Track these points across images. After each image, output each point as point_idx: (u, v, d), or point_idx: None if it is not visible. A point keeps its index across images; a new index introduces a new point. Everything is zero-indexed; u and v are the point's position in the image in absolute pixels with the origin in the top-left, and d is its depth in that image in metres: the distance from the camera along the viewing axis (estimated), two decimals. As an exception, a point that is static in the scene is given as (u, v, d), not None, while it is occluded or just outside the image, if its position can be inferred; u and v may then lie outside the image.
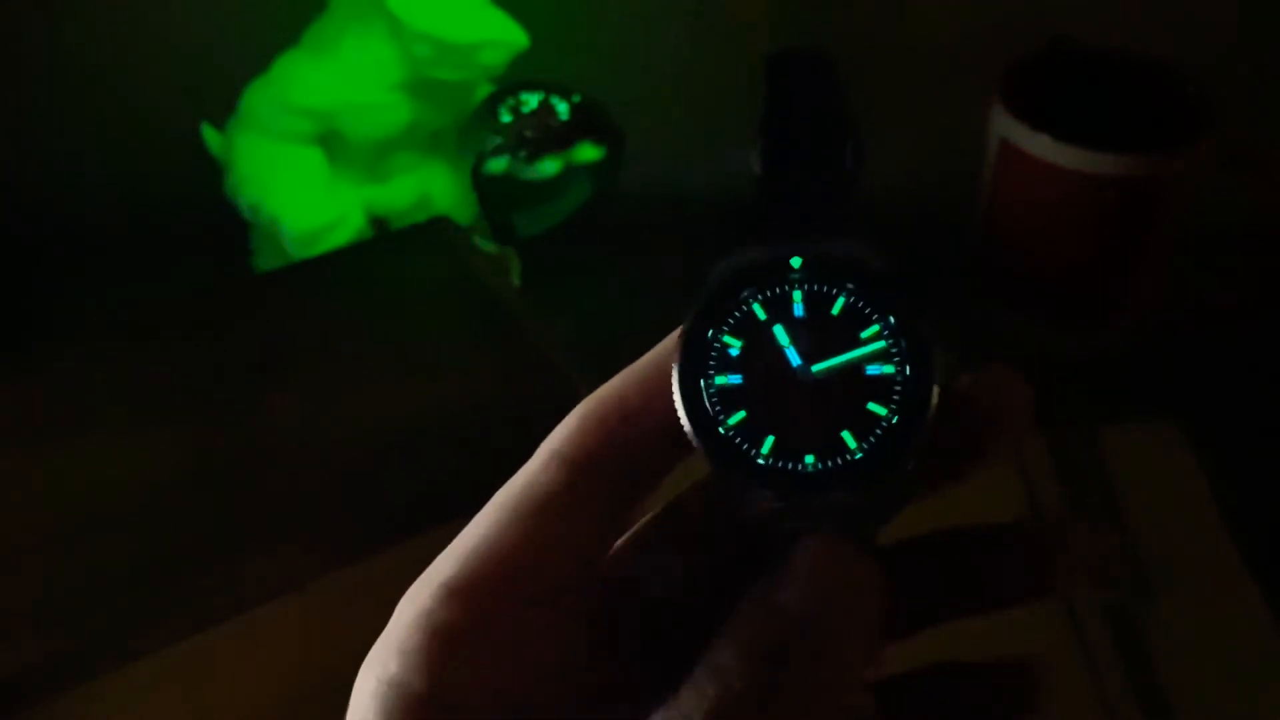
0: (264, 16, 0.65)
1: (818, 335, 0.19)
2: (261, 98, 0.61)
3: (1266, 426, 0.56)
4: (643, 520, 0.21)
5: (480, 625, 0.19)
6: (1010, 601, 0.21)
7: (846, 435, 0.18)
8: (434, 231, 0.54)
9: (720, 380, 0.19)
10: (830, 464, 0.18)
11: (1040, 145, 0.54)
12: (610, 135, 0.61)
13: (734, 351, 0.19)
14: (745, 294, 0.19)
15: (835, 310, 0.19)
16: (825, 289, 0.19)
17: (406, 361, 0.47)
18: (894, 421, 0.18)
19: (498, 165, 0.60)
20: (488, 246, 0.62)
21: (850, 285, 0.19)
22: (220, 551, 0.39)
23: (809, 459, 0.18)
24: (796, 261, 0.19)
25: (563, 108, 0.61)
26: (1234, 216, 0.57)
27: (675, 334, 0.20)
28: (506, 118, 0.60)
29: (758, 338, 0.19)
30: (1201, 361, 0.60)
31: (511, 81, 0.61)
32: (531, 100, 0.61)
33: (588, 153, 0.61)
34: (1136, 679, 0.45)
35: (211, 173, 0.63)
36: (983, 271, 0.61)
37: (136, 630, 0.37)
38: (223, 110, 0.62)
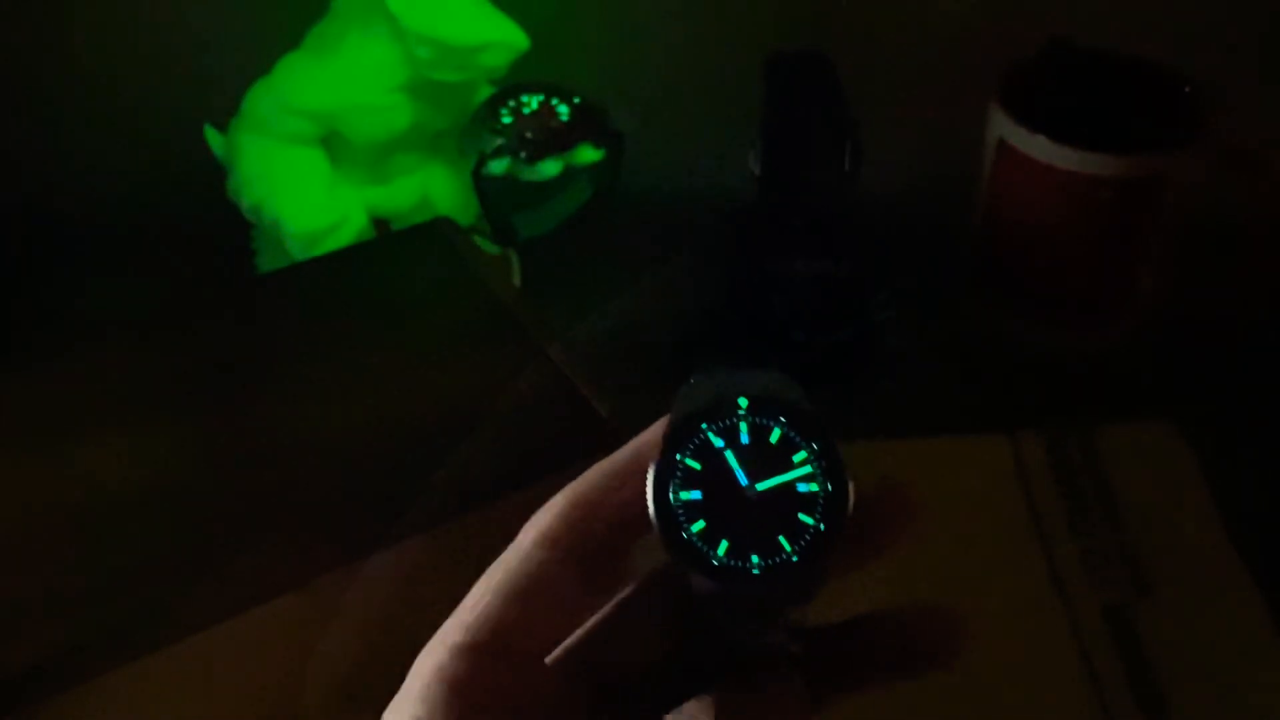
0: (266, 18, 0.65)
1: (760, 459, 0.24)
2: (264, 99, 0.61)
3: (1266, 426, 0.56)
4: (621, 594, 0.25)
5: (487, 680, 0.23)
6: (913, 673, 0.24)
7: (783, 540, 0.23)
8: (435, 232, 0.54)
9: (684, 495, 0.23)
10: (771, 562, 0.23)
11: (1038, 147, 0.54)
12: (610, 137, 0.62)
13: (695, 472, 0.23)
14: (703, 425, 0.24)
15: (773, 439, 0.24)
16: (765, 421, 0.24)
17: (407, 362, 0.47)
18: (820, 529, 0.23)
19: (499, 166, 0.60)
20: (489, 247, 0.62)
21: (783, 419, 0.24)
22: (220, 551, 0.39)
23: (755, 559, 0.23)
24: (743, 401, 0.24)
25: (563, 109, 0.61)
26: (1234, 216, 0.57)
27: (641, 437, 0.25)
28: (507, 119, 0.60)
29: (713, 461, 0.24)
30: (1201, 361, 0.60)
31: (512, 83, 0.61)
32: (532, 102, 0.61)
33: (588, 154, 0.61)
34: (1135, 679, 0.45)
35: (213, 174, 0.63)
36: (982, 272, 0.61)
37: (137, 630, 0.37)
38: (225, 112, 0.62)
